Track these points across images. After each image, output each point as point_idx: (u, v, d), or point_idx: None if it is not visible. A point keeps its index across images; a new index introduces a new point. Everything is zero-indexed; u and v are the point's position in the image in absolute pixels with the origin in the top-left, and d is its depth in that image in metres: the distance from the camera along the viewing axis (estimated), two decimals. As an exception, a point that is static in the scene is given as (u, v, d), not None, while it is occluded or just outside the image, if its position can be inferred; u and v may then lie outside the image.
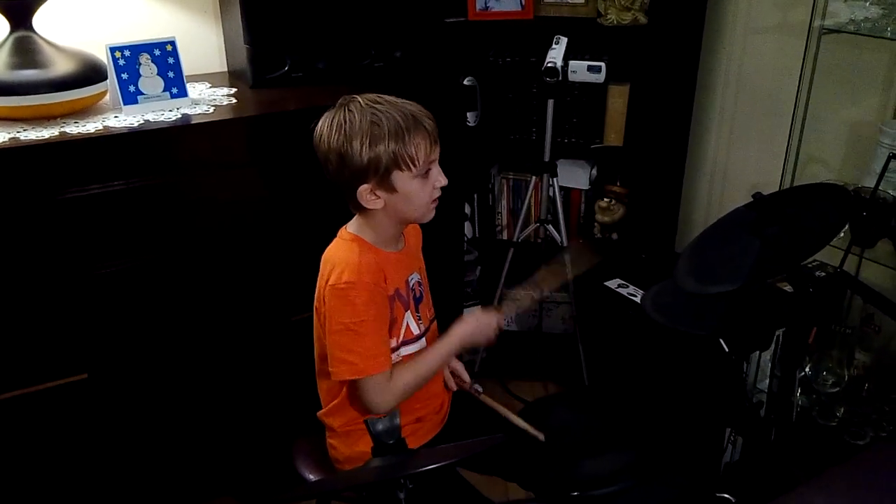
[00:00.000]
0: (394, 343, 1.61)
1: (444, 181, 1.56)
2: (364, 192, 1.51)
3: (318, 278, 1.59)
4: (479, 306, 1.77)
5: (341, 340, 1.53)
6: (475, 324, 1.67)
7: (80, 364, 1.90)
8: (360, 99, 1.50)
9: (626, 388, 2.47)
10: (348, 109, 1.49)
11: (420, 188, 1.53)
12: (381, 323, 1.56)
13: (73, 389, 1.90)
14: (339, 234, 1.63)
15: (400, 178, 1.50)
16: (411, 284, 1.66)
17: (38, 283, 1.80)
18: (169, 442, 2.09)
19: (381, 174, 1.49)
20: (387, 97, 1.53)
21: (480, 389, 1.77)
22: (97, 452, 1.99)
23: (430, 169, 1.54)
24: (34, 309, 1.81)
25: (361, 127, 1.47)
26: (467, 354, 1.91)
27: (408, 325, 1.64)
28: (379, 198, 1.52)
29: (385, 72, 2.28)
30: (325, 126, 1.51)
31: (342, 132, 1.48)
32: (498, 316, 1.69)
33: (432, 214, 1.60)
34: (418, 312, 1.68)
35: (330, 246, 1.61)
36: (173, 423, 2.08)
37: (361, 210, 1.57)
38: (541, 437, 1.67)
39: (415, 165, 1.49)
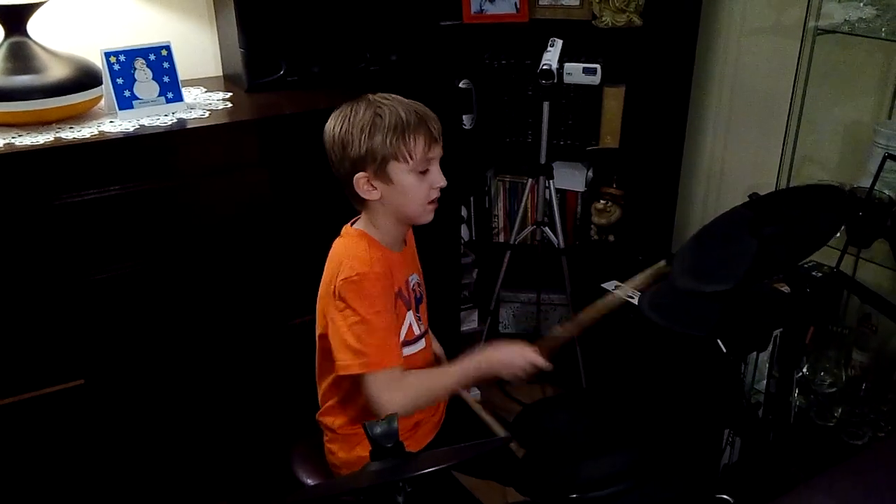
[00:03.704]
0: None
1: (442, 182, 1.58)
2: (360, 180, 1.53)
3: (324, 275, 1.60)
4: (518, 340, 1.63)
5: (356, 331, 1.50)
6: (510, 354, 1.59)
7: (77, 370, 1.89)
8: (370, 96, 1.56)
9: (625, 390, 2.47)
10: (357, 104, 1.55)
11: (417, 183, 1.54)
12: (392, 315, 1.56)
13: (69, 395, 1.89)
14: (343, 231, 1.63)
15: (396, 170, 1.52)
16: (412, 285, 1.67)
17: (35, 288, 1.79)
18: (166, 447, 2.08)
19: (378, 164, 1.51)
20: (398, 97, 1.57)
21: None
22: (94, 458, 1.98)
23: (428, 167, 1.55)
24: (31, 314, 1.81)
25: (364, 118, 1.51)
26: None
27: (410, 325, 1.64)
28: (375, 188, 1.54)
29: (381, 75, 2.28)
30: (334, 118, 1.56)
31: (347, 122, 1.53)
32: (535, 353, 1.59)
33: (430, 216, 1.60)
34: (418, 313, 1.68)
35: (336, 242, 1.62)
36: (171, 429, 2.07)
37: (360, 202, 1.58)
38: (520, 452, 1.65)
39: (411, 158, 1.52)
